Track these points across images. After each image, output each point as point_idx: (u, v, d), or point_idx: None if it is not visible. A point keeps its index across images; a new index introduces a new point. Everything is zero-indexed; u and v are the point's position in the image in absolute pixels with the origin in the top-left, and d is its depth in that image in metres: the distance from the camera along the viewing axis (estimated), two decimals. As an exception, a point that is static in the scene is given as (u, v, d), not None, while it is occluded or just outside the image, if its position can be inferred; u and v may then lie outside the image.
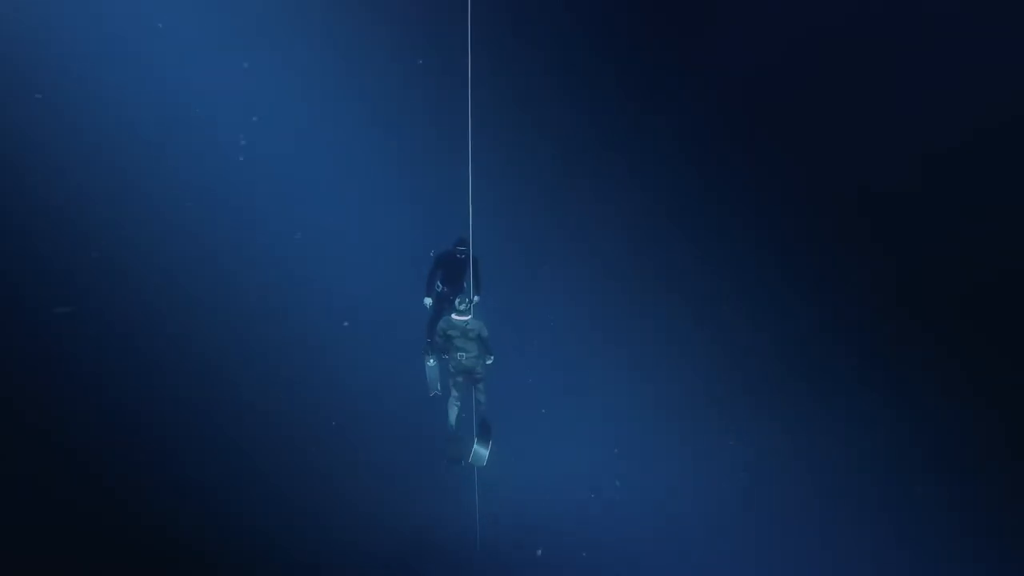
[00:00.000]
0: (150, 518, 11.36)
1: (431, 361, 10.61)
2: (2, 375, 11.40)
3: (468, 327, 9.37)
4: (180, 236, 12.08)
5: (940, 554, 11.80)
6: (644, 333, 12.79)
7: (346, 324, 12.29)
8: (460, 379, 9.78)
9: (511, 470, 10.97)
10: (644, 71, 12.64)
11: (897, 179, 12.21)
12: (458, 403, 9.97)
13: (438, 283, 10.43)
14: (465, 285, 9.99)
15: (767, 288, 12.79)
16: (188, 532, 11.38)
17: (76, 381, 11.65)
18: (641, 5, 12.61)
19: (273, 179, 12.33)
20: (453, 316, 9.36)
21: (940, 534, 11.91)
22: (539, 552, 12.04)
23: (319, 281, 12.25)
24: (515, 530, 11.87)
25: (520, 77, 12.12)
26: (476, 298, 10.09)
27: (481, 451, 9.99)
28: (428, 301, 10.42)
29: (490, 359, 9.70)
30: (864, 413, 12.53)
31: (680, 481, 12.32)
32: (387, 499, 11.94)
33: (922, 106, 12.02)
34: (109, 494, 11.33)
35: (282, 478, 11.88)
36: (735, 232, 12.85)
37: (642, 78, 12.66)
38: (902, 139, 12.13)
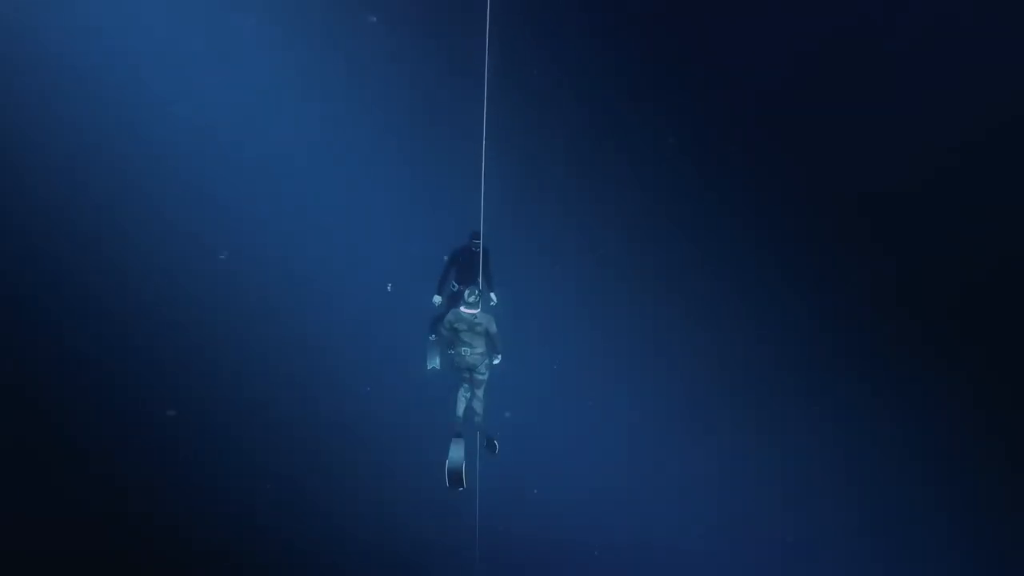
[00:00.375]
0: (147, 518, 11.35)
1: (433, 336, 10.35)
2: (3, 376, 11.40)
3: (476, 321, 9.15)
4: (180, 236, 12.08)
5: (940, 554, 11.81)
6: (643, 333, 12.79)
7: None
8: (467, 375, 9.58)
9: (511, 471, 10.95)
10: (645, 70, 12.66)
11: (897, 179, 12.22)
12: (467, 395, 9.75)
13: (452, 282, 10.20)
14: (477, 279, 9.74)
15: (767, 288, 12.79)
16: (186, 532, 11.36)
17: (75, 382, 11.65)
18: (640, 4, 12.63)
19: (275, 178, 12.35)
20: (462, 309, 9.17)
21: (940, 535, 11.91)
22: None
23: (321, 281, 12.24)
24: (516, 531, 11.85)
25: (525, 76, 12.13)
26: (493, 296, 9.94)
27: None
28: (437, 299, 10.17)
29: (497, 358, 9.53)
30: (864, 413, 12.52)
31: (679, 481, 12.31)
32: (387, 499, 11.90)
33: (922, 106, 12.04)
34: (108, 493, 11.32)
35: (281, 478, 11.87)
36: (735, 232, 12.85)
37: (643, 78, 12.68)
38: (902, 139, 12.14)
